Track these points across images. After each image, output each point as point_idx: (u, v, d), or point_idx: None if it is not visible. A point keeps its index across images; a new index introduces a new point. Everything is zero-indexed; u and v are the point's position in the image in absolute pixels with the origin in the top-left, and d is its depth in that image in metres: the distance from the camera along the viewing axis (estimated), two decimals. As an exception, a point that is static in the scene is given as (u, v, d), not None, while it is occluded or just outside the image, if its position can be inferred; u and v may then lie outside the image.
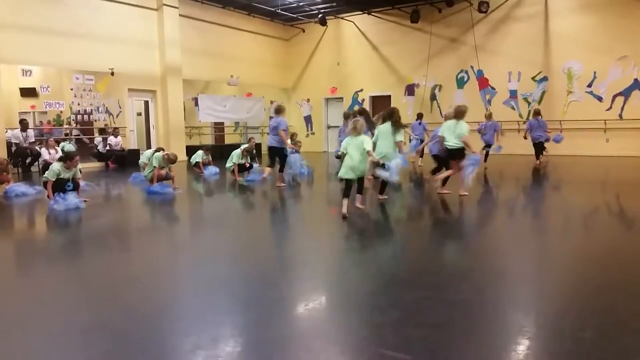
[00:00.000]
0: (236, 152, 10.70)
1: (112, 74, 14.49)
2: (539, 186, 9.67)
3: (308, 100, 20.98)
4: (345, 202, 6.21)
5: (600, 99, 15.07)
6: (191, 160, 12.32)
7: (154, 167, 8.87)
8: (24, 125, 12.29)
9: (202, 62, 17.43)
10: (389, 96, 18.79)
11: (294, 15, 18.86)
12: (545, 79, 15.92)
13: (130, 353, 2.57)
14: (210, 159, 12.27)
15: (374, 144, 6.94)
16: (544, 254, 4.58)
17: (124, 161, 13.93)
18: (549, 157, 14.46)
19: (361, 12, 18.58)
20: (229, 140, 18.74)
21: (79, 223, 6.40)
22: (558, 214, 6.71)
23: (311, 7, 17.93)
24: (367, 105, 19.22)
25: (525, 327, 2.87)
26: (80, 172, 7.69)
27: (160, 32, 15.86)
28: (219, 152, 14.14)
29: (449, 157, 7.70)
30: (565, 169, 12.42)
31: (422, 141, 12.60)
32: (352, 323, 2.95)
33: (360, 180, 6.42)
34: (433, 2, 17.02)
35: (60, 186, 7.18)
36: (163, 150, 9.79)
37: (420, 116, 13.81)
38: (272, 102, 20.48)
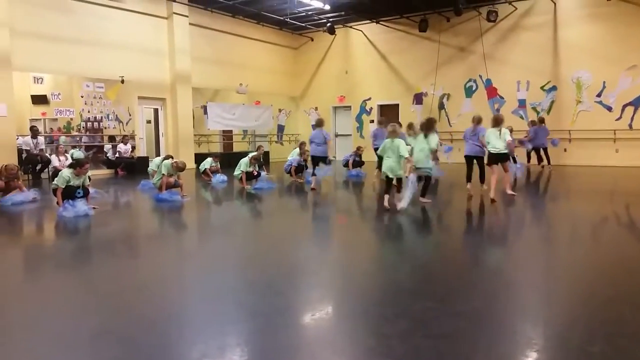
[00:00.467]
0: (244, 160, 10.74)
1: (122, 81, 14.62)
2: (548, 196, 9.61)
3: (316, 108, 21.03)
4: (386, 197, 7.20)
5: (609, 108, 14.99)
6: (200, 168, 12.37)
7: (163, 174, 8.92)
8: (34, 132, 12.42)
9: (212, 71, 17.55)
10: (397, 105, 18.80)
11: (303, 24, 18.97)
12: (554, 88, 15.87)
13: (138, 360, 2.58)
14: (219, 166, 12.32)
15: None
16: (552, 264, 4.55)
17: (133, 168, 14.01)
18: (557, 167, 14.42)
19: (370, 21, 18.65)
20: (237, 148, 18.81)
21: (88, 230, 6.44)
22: (567, 223, 6.67)
23: (320, 16, 18.03)
24: (374, 115, 19.26)
25: (533, 339, 2.85)
26: (90, 179, 7.74)
27: (170, 41, 16.00)
28: (228, 159, 14.18)
29: (493, 161, 8.18)
30: (574, 179, 12.34)
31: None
32: (359, 333, 2.95)
33: (399, 180, 7.28)
34: (441, 11, 17.05)
35: (70, 193, 7.23)
36: (172, 157, 9.83)
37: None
38: (280, 110, 20.59)
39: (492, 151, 8.13)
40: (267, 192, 9.92)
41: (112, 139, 14.66)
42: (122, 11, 14.72)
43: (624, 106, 14.78)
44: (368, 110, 19.63)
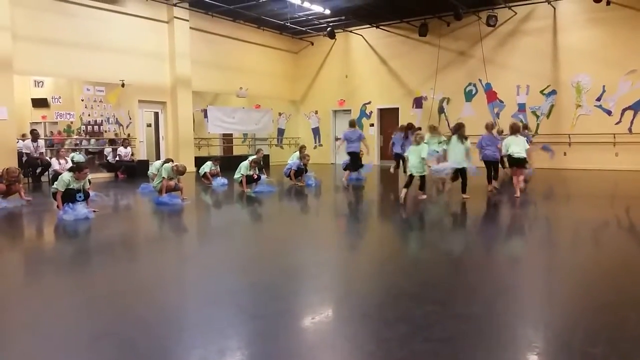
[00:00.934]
0: (244, 164, 10.74)
1: (123, 85, 14.64)
2: (548, 200, 9.61)
3: (316, 112, 21.06)
4: (404, 191, 8.41)
5: (609, 112, 15.02)
6: (200, 171, 12.37)
7: (163, 178, 8.92)
8: (34, 135, 12.43)
9: (212, 74, 17.58)
10: (397, 109, 18.84)
11: (303, 29, 19.01)
12: (554, 92, 15.90)
13: (138, 364, 2.58)
14: (219, 169, 12.31)
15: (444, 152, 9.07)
16: (553, 268, 4.54)
17: (134, 172, 14.02)
18: (557, 171, 14.43)
19: (370, 26, 18.70)
20: (237, 151, 18.82)
21: (88, 233, 6.43)
22: (567, 227, 6.66)
23: (320, 21, 18.08)
24: (374, 118, 19.30)
25: (534, 342, 2.84)
26: (90, 182, 7.74)
27: (170, 45, 16.03)
28: (228, 163, 14.19)
29: (514, 165, 9.01)
30: (574, 183, 12.34)
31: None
32: (359, 337, 2.94)
33: (422, 178, 8.66)
34: (441, 15, 17.10)
35: (70, 196, 7.22)
36: (172, 161, 9.84)
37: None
38: (280, 114, 20.62)
39: (515, 156, 8.86)
40: (267, 196, 9.93)
41: (112, 142, 14.67)
42: (123, 15, 14.76)
43: (624, 110, 14.80)
44: (368, 114, 19.66)
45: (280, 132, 20.80)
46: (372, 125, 19.43)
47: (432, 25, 17.48)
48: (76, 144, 14.09)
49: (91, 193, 7.83)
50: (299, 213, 8.57)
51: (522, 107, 16.45)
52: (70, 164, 11.34)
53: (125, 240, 6.16)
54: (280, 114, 20.71)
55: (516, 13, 16.13)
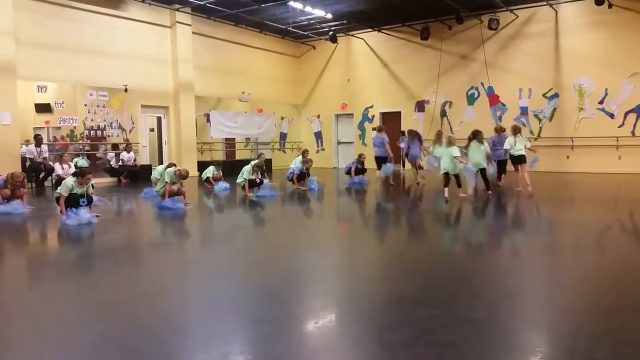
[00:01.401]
0: (247, 168, 10.75)
1: (126, 90, 14.69)
2: (551, 203, 9.58)
3: (318, 116, 21.08)
4: (446, 190, 9.14)
5: (612, 115, 14.99)
6: (202, 176, 12.39)
7: (166, 182, 8.94)
8: (38, 140, 12.47)
9: (214, 79, 17.62)
10: (399, 112, 18.84)
11: (305, 33, 19.06)
12: (556, 95, 15.88)
13: (141, 369, 2.58)
14: (221, 174, 12.34)
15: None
16: (556, 272, 4.54)
17: (137, 176, 14.04)
18: (559, 174, 14.41)
19: (371, 30, 18.72)
20: (239, 155, 18.85)
21: (91, 238, 6.45)
22: (570, 231, 6.65)
23: (322, 25, 18.12)
24: (376, 122, 19.30)
25: (537, 346, 2.84)
26: (93, 187, 7.75)
27: (173, 49, 16.09)
28: (230, 167, 14.21)
29: (516, 162, 10.31)
30: (577, 186, 12.32)
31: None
32: (363, 340, 2.94)
33: (456, 177, 9.39)
34: (443, 19, 17.12)
35: (74, 201, 7.24)
36: (175, 165, 9.85)
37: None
38: (282, 118, 20.66)
39: (516, 154, 10.22)
40: (269, 200, 9.93)
41: (115, 147, 14.72)
42: (125, 20, 14.82)
43: (626, 113, 14.78)
44: (370, 117, 19.66)
45: (283, 136, 20.83)
46: (374, 129, 19.42)
47: (434, 29, 17.50)
48: (81, 149, 14.15)
49: (94, 198, 7.85)
50: (302, 217, 8.57)
51: (524, 111, 16.43)
52: (73, 169, 11.39)
53: (128, 245, 6.17)
54: (282, 118, 20.74)
55: (518, 16, 16.14)
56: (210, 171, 12.07)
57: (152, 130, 16.71)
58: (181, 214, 8.21)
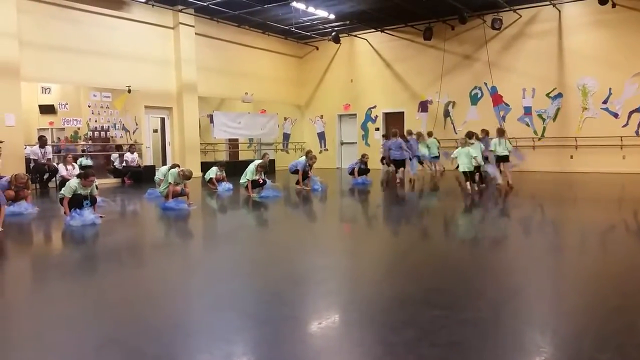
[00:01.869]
0: (250, 168, 10.74)
1: (129, 91, 14.72)
2: (555, 203, 9.56)
3: (321, 116, 21.09)
4: (468, 184, 10.46)
5: (616, 115, 14.95)
6: (205, 176, 12.41)
7: (170, 183, 8.95)
8: (42, 141, 12.50)
9: (217, 80, 17.65)
10: (402, 113, 18.83)
11: (308, 34, 19.07)
12: (559, 95, 15.84)
13: (145, 370, 2.58)
14: (225, 174, 12.34)
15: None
16: (560, 272, 4.52)
17: (140, 177, 14.07)
18: (563, 174, 14.37)
19: (374, 30, 18.72)
20: (243, 156, 18.86)
21: (95, 239, 6.46)
22: (575, 231, 6.63)
23: (325, 26, 18.12)
24: (380, 122, 19.31)
25: (542, 347, 2.83)
26: (97, 188, 7.77)
27: (176, 50, 16.12)
28: (233, 168, 14.22)
29: (500, 160, 11.47)
30: (581, 186, 12.28)
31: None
32: (366, 341, 2.93)
33: (472, 174, 10.58)
34: (446, 19, 17.10)
35: (77, 202, 7.26)
36: (178, 166, 9.86)
37: (410, 133, 14.83)
38: (285, 119, 20.67)
39: (500, 154, 11.34)
40: (273, 201, 9.93)
41: (119, 148, 14.75)
42: (129, 21, 14.85)
43: (631, 113, 14.73)
44: (373, 118, 19.66)
45: (286, 136, 20.84)
46: (377, 129, 19.43)
47: (437, 29, 17.48)
48: (83, 150, 14.18)
49: (98, 198, 7.86)
50: (305, 218, 8.57)
51: (528, 111, 16.40)
52: (77, 170, 11.43)
53: (131, 246, 6.18)
54: (285, 119, 20.75)
55: (521, 16, 16.11)
56: (213, 172, 12.09)
57: (155, 131, 16.75)
58: (185, 215, 8.22)
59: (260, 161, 11.28)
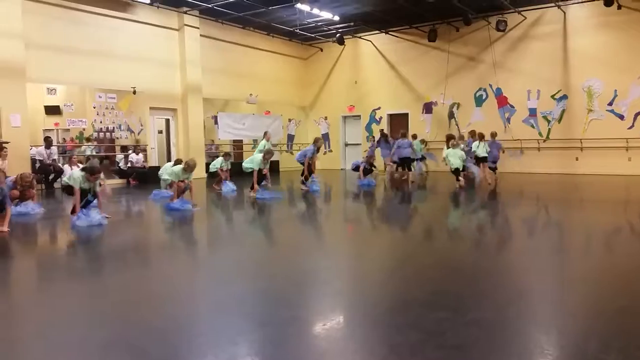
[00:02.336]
0: (258, 157, 10.42)
1: (134, 92, 14.77)
2: (561, 205, 9.53)
3: (326, 118, 21.10)
4: (460, 179, 11.61)
5: (621, 117, 14.89)
6: (211, 167, 12.37)
7: (174, 181, 8.89)
8: (48, 142, 12.57)
9: (222, 81, 17.69)
10: (407, 114, 18.82)
11: (312, 35, 19.09)
12: (565, 97, 15.79)
13: (150, 370, 2.59)
14: (230, 167, 12.24)
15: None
16: (565, 273, 4.51)
17: (145, 178, 14.11)
18: (568, 176, 14.33)
19: (379, 32, 18.72)
20: (247, 157, 18.83)
21: (100, 240, 6.48)
22: (580, 232, 6.61)
23: (329, 27, 18.14)
24: (384, 124, 19.30)
25: (547, 349, 2.82)
26: (101, 185, 7.67)
27: (181, 52, 16.17)
28: (238, 169, 14.20)
29: (480, 161, 12.78)
30: (587, 188, 12.24)
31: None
32: (371, 343, 2.93)
33: (458, 170, 11.77)
34: (450, 21, 17.09)
35: (82, 196, 7.20)
36: (181, 161, 9.73)
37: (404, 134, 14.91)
38: (290, 120, 20.69)
39: (480, 155, 12.70)
40: (274, 202, 9.92)
41: (124, 149, 14.80)
42: (134, 23, 14.91)
43: (636, 114, 14.67)
44: (378, 119, 19.65)
45: (290, 138, 20.85)
46: (381, 130, 19.40)
47: (442, 31, 17.47)
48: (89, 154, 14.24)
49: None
50: (309, 219, 8.57)
51: (533, 112, 16.36)
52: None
53: (136, 248, 6.20)
54: (289, 120, 20.77)
55: (526, 18, 16.08)
56: (219, 162, 12.05)
57: (160, 132, 16.80)
58: (189, 216, 8.23)
59: (267, 145, 10.89)
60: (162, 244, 6.47)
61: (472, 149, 12.87)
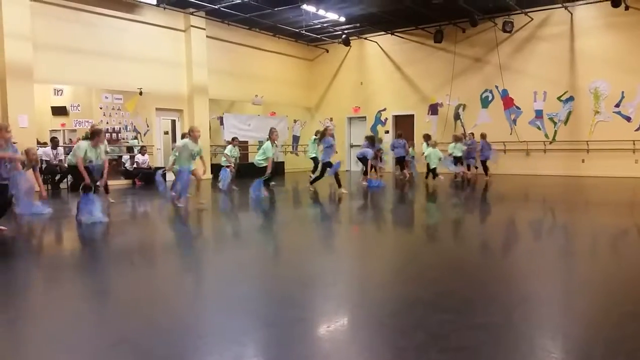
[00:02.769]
0: (267, 145, 10.21)
1: (141, 93, 14.83)
2: (567, 207, 9.48)
3: (331, 119, 21.08)
4: (438, 177, 13.77)
5: (628, 119, 14.81)
6: (224, 154, 12.50)
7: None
8: (54, 142, 12.63)
9: (228, 82, 17.73)
10: (412, 115, 18.80)
11: (318, 36, 19.10)
12: (571, 98, 15.72)
13: (155, 370, 2.59)
14: (239, 154, 12.38)
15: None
16: (572, 277, 4.48)
17: (151, 179, 14.14)
18: (575, 178, 14.26)
19: (384, 33, 18.71)
20: (252, 158, 18.86)
21: (105, 239, 6.51)
22: (586, 235, 6.57)
23: (335, 28, 18.14)
24: (389, 125, 19.27)
25: (553, 353, 2.81)
26: (107, 152, 7.65)
27: (187, 53, 16.22)
28: (244, 170, 14.23)
29: (457, 161, 14.42)
30: (593, 190, 12.17)
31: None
32: (375, 345, 2.93)
33: (434, 169, 13.83)
34: (457, 22, 17.05)
35: (87, 187, 7.19)
36: (189, 132, 9.41)
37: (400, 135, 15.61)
38: (295, 121, 20.70)
39: (458, 155, 14.43)
40: (280, 201, 9.92)
41: (130, 149, 14.86)
42: (140, 24, 14.97)
43: (644, 116, 14.59)
44: (383, 120, 19.64)
45: (295, 139, 20.86)
46: (387, 132, 19.40)
47: (448, 32, 17.43)
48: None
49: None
50: (315, 220, 8.56)
51: (539, 114, 16.29)
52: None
53: (142, 247, 6.21)
54: (295, 121, 20.78)
55: (532, 19, 16.02)
56: (228, 150, 12.23)
57: (166, 133, 16.85)
58: (195, 216, 8.25)
59: (274, 132, 10.77)
60: (167, 244, 6.47)
61: (449, 150, 14.51)
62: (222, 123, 17.51)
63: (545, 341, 2.97)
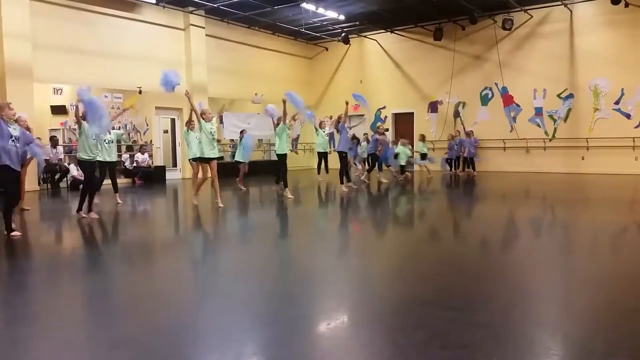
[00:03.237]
0: (278, 129, 10.90)
1: (140, 92, 14.81)
2: (568, 204, 9.48)
3: (331, 117, 20.98)
4: (405, 174, 14.32)
5: (628, 116, 14.79)
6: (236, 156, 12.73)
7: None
8: (54, 141, 12.62)
9: (227, 81, 17.71)
10: (412, 113, 18.78)
11: (318, 34, 19.08)
12: (571, 96, 15.71)
13: (156, 369, 2.60)
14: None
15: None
16: (572, 274, 4.48)
17: (151, 178, 14.15)
18: (575, 175, 14.27)
19: (384, 31, 18.68)
20: (253, 157, 18.83)
21: (106, 237, 6.51)
22: (586, 233, 6.57)
23: (334, 26, 18.12)
24: (389, 123, 19.26)
25: (553, 350, 2.81)
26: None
27: (187, 52, 16.21)
28: (252, 169, 14.29)
29: (423, 158, 15.64)
30: (593, 188, 12.17)
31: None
32: (376, 343, 2.93)
33: (404, 166, 14.27)
34: (456, 19, 17.03)
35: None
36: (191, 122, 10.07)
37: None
38: (295, 119, 20.65)
39: (424, 152, 15.67)
40: (284, 200, 9.93)
41: (129, 148, 14.85)
42: (140, 23, 14.96)
43: (644, 113, 14.57)
44: (383, 118, 19.62)
45: (295, 137, 20.83)
46: (386, 130, 19.36)
47: (447, 30, 17.41)
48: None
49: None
50: (316, 218, 8.56)
51: (539, 111, 16.28)
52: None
53: (142, 245, 6.21)
54: (295, 119, 20.73)
55: (532, 16, 16.00)
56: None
57: (166, 131, 16.84)
58: (200, 214, 8.24)
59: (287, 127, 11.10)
60: (168, 242, 6.47)
61: (416, 149, 15.95)
62: (221, 121, 17.47)
63: (545, 338, 2.97)
